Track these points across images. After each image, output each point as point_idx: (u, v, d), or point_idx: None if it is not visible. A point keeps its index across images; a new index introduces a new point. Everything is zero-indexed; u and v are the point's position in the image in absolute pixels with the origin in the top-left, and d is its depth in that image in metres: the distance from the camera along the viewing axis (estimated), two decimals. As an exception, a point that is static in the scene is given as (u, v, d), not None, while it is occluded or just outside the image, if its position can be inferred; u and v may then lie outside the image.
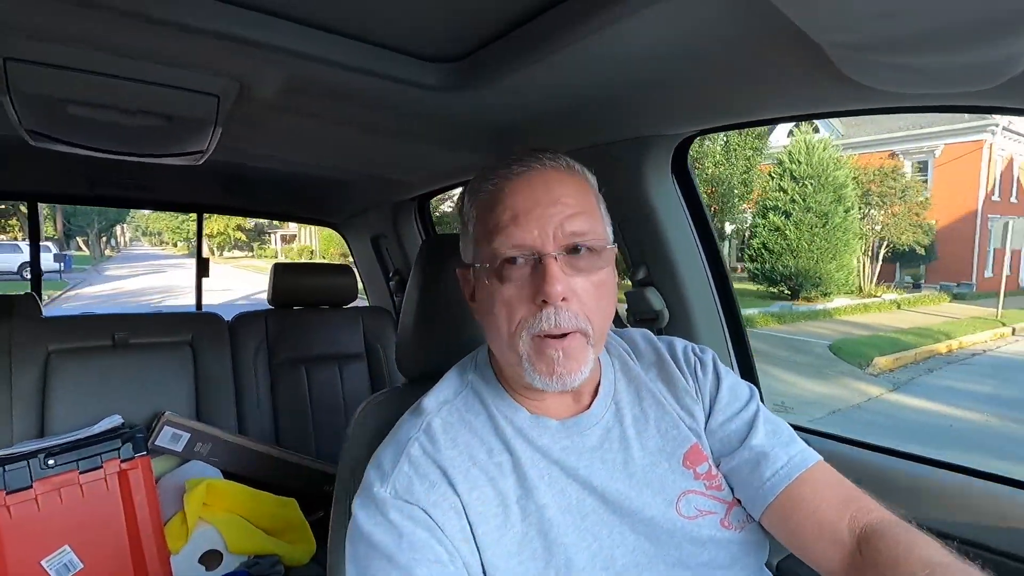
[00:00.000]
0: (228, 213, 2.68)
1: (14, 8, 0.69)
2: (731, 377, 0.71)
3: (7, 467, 1.05)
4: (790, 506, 0.61)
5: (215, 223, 24.67)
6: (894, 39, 0.50)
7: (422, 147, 1.35)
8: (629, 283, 1.24)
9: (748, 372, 1.21)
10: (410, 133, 1.25)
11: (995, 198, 15.13)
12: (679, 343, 0.75)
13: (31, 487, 1.06)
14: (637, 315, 1.18)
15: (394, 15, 0.78)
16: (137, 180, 1.98)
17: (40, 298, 1.98)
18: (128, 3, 0.67)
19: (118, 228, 33.99)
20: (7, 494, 1.04)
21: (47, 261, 16.84)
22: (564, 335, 0.56)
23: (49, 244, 19.53)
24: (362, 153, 1.49)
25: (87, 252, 27.34)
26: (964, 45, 0.48)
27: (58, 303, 11.96)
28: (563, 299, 0.55)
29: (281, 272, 2.05)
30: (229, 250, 30.21)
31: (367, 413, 0.80)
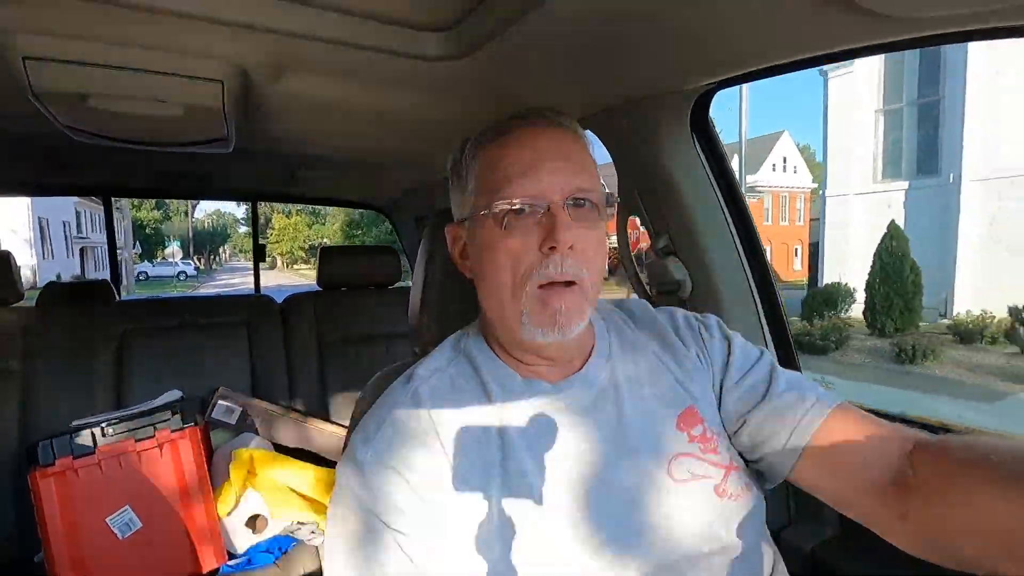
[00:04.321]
0: (282, 200, 2.82)
1: (28, 9, 0.74)
2: (739, 337, 0.70)
3: (73, 435, 1.17)
4: (835, 435, 0.59)
5: (284, 244, 40.04)
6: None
7: (439, 123, 1.33)
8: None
9: (784, 346, 1.12)
10: (427, 110, 1.24)
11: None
12: (679, 312, 0.74)
13: (94, 453, 1.18)
14: (658, 286, 1.12)
15: None
16: (198, 172, 2.12)
17: (118, 287, 2.18)
18: None
19: (221, 248, 51.99)
20: (74, 459, 1.16)
21: (189, 270, 31.71)
22: (568, 283, 0.57)
23: (190, 261, 35.01)
24: (389, 135, 1.50)
25: (201, 266, 43.27)
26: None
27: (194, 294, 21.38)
28: (569, 247, 0.56)
29: (328, 255, 2.13)
30: (295, 264, 43.29)
31: (378, 383, 0.81)
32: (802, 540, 0.97)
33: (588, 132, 1.17)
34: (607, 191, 0.63)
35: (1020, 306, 8.41)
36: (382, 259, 2.18)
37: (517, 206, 0.57)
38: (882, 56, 10.67)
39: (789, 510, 1.03)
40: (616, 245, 1.23)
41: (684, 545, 0.57)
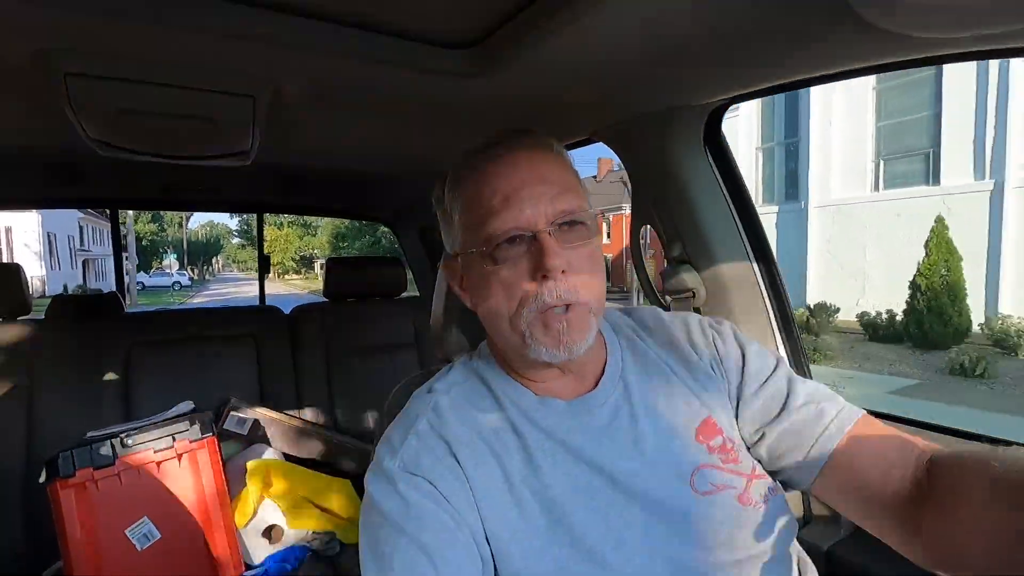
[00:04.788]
0: (287, 211, 2.84)
1: (72, 29, 0.77)
2: (754, 344, 0.70)
3: (93, 446, 1.17)
4: (854, 451, 0.59)
5: (276, 256, 41.24)
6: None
7: (456, 137, 1.37)
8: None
9: (795, 355, 1.15)
10: (441, 123, 1.27)
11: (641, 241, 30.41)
12: (692, 318, 0.73)
13: (114, 464, 1.18)
14: (672, 293, 1.16)
15: (408, 4, 0.80)
16: (204, 184, 2.14)
17: (124, 299, 2.18)
18: (167, 16, 0.73)
19: (214, 259, 54.41)
20: (94, 470, 1.16)
21: (184, 280, 33.29)
22: (567, 306, 0.56)
23: (184, 271, 36.06)
24: (401, 146, 1.53)
25: (195, 276, 45.21)
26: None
27: (189, 301, 22.55)
28: (562, 272, 0.56)
29: (334, 266, 2.15)
30: (287, 274, 45.93)
31: (401, 394, 0.83)
32: (818, 540, 0.99)
33: (600, 143, 1.22)
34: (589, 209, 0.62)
35: (812, 305, 10.87)
36: (388, 270, 2.20)
37: (503, 237, 0.57)
38: (759, 103, 12.95)
39: (805, 510, 1.06)
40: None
41: (711, 555, 0.57)
